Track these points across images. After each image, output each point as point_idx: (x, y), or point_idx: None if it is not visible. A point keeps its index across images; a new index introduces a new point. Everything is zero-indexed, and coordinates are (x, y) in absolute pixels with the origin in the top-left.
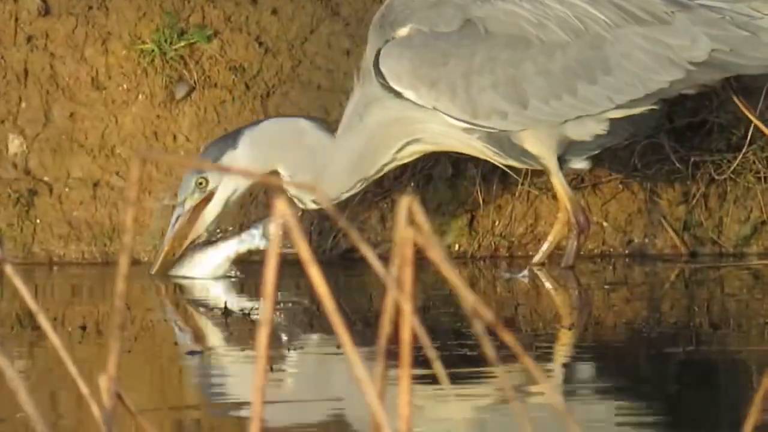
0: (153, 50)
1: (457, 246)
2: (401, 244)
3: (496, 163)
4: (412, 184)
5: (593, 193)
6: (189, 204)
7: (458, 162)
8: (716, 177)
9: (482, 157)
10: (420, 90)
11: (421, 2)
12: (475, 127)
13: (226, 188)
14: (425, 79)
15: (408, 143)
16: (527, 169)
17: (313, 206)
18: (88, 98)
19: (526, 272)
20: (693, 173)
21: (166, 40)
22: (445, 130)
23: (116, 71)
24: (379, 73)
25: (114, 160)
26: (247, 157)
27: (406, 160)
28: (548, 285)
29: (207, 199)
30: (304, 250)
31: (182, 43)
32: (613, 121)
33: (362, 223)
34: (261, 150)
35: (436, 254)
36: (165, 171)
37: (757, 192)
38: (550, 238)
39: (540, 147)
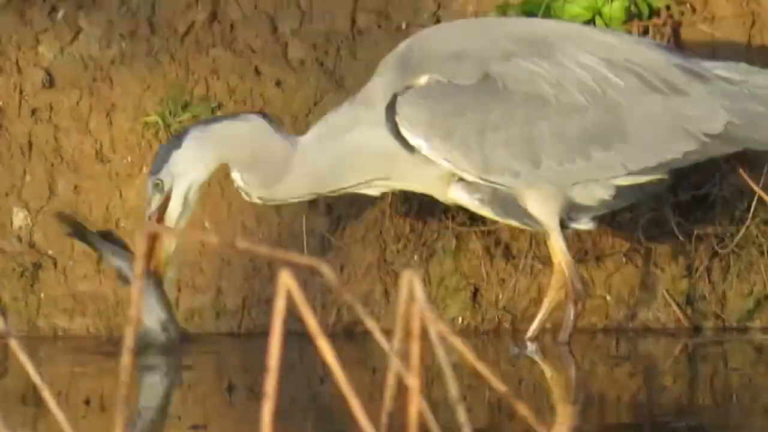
0: (157, 123)
1: (460, 319)
2: (405, 318)
3: (473, 209)
4: (416, 257)
5: (596, 266)
6: (153, 205)
7: (461, 235)
8: (719, 251)
9: (449, 203)
10: (433, 141)
11: (440, 50)
12: (482, 183)
13: (180, 185)
14: (440, 130)
15: (379, 178)
16: (531, 243)
17: (257, 201)
18: (93, 171)
19: (533, 347)
20: (696, 247)
21: (170, 113)
22: (428, 181)
23: (120, 144)
24: (391, 118)
25: (118, 233)
26: (191, 156)
27: (365, 191)
28: (551, 360)
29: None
30: (311, 324)
31: (186, 116)
32: (619, 187)
33: (365, 296)
34: (206, 149)
35: (441, 328)
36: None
37: (761, 266)
38: (545, 304)
39: (542, 208)
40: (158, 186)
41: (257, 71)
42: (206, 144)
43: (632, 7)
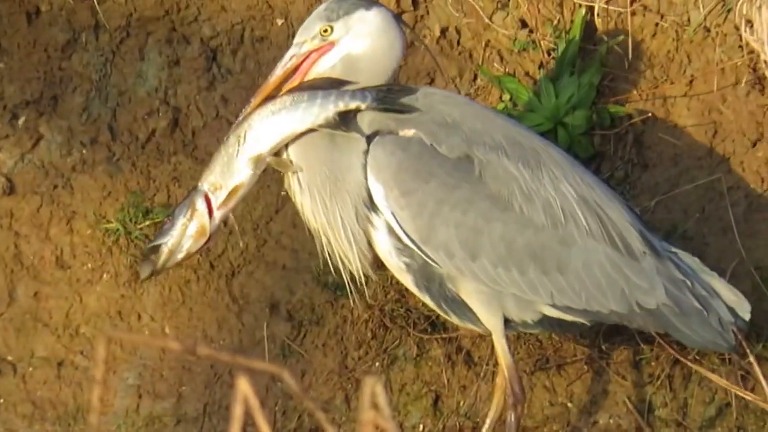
0: (118, 229)
1: (421, 426)
2: (365, 426)
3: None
4: (377, 363)
5: (558, 373)
6: (306, 47)
7: (422, 342)
8: (680, 358)
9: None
10: (390, 192)
11: (437, 114)
12: (416, 250)
13: (347, 44)
14: (402, 184)
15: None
16: (492, 350)
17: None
18: (53, 277)
19: None
20: (657, 354)
21: (130, 219)
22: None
23: (81, 250)
24: (366, 151)
25: (78, 339)
26: (372, 32)
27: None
28: None
29: (321, 51)
30: (264, 429)
31: (147, 222)
32: (545, 315)
33: (327, 403)
34: (392, 38)
35: None
36: (129, 350)
37: (722, 373)
38: (492, 406)
39: (482, 305)
40: (326, 32)
41: None
42: (393, 40)
43: (594, 117)
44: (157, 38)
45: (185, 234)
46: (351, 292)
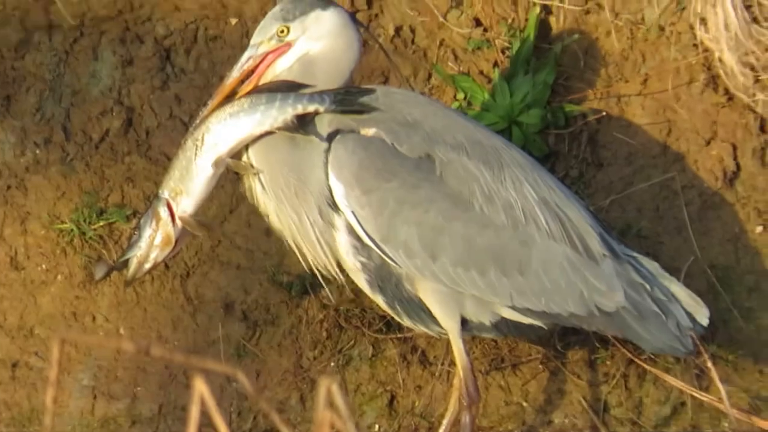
0: (72, 230)
1: (377, 426)
2: (320, 426)
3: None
4: (332, 364)
5: (513, 373)
6: (263, 48)
7: (378, 342)
8: (635, 359)
9: (349, 268)
10: (351, 191)
11: (398, 113)
12: (375, 249)
13: (304, 44)
14: (363, 183)
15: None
16: (447, 349)
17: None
18: (7, 278)
19: None
20: (612, 354)
21: (84, 220)
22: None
23: (35, 251)
24: (327, 150)
25: (33, 340)
26: (330, 30)
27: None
28: None
29: (277, 52)
30: (223, 429)
31: (101, 223)
32: (503, 318)
33: (282, 403)
34: (349, 38)
35: None
36: (84, 351)
37: (677, 372)
38: (449, 407)
39: (440, 305)
40: (282, 33)
41: None
42: (349, 40)
43: (549, 116)
44: (111, 38)
45: (152, 244)
46: (328, 290)
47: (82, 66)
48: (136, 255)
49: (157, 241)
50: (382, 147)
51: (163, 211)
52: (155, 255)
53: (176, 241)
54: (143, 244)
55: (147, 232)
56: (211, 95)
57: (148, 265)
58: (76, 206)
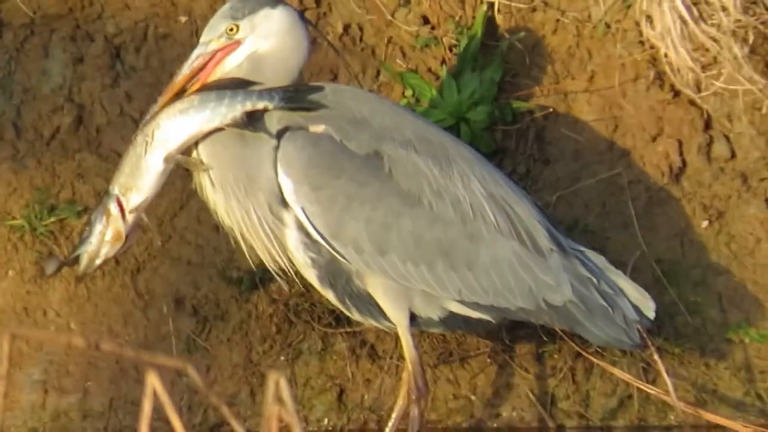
0: (23, 226)
1: (326, 420)
2: (268, 420)
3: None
4: (282, 358)
5: (461, 366)
6: (213, 46)
7: (327, 336)
8: (582, 352)
9: (301, 267)
10: (300, 187)
11: (347, 110)
12: (324, 245)
13: (253, 42)
14: (312, 179)
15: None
16: (396, 343)
17: None
18: None
19: None
20: (560, 347)
21: (35, 216)
22: (265, 211)
23: None
24: (276, 147)
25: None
26: (278, 30)
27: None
28: None
29: (227, 50)
30: (177, 425)
31: (52, 219)
32: (451, 312)
33: (232, 397)
34: (298, 37)
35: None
36: (35, 346)
37: (624, 366)
38: (398, 401)
39: (389, 300)
40: (231, 31)
41: None
42: (298, 38)
43: (496, 112)
44: (61, 35)
45: (103, 240)
46: (282, 282)
47: (33, 64)
48: (87, 250)
49: (108, 236)
50: (331, 144)
51: (114, 207)
52: (106, 250)
53: (126, 237)
54: (94, 239)
55: (97, 228)
56: (161, 92)
57: (99, 261)
58: (27, 202)
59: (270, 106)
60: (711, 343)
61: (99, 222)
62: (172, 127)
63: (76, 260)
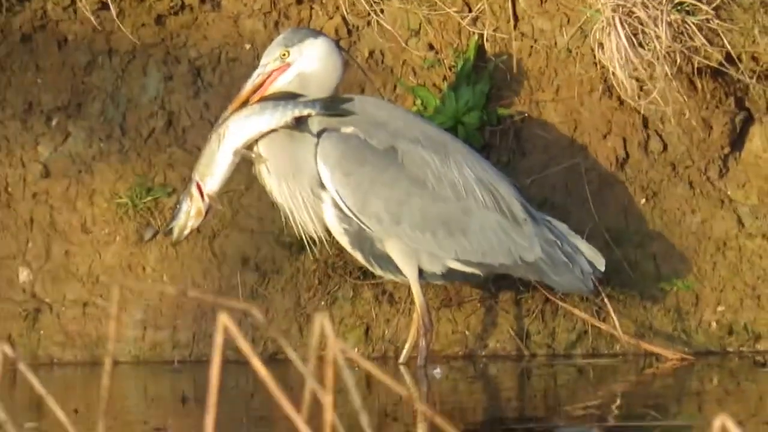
0: (127, 203)
1: (356, 350)
2: (317, 349)
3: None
4: (323, 303)
5: (458, 309)
6: (269, 67)
7: (356, 286)
8: (550, 297)
9: (335, 233)
10: (335, 174)
11: (371, 115)
12: (354, 218)
13: (300, 65)
14: (344, 168)
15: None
16: (408, 292)
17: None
18: (79, 239)
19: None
20: (533, 295)
21: (137, 196)
22: (309, 195)
23: (100, 219)
24: (317, 144)
25: (99, 286)
26: (322, 56)
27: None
28: (420, 380)
29: (280, 70)
30: (247, 349)
31: (149, 198)
32: (450, 268)
33: (285, 332)
34: (335, 67)
35: (350, 353)
36: (137, 294)
37: (581, 308)
38: (410, 336)
39: (403, 259)
40: (284, 55)
41: None
42: (334, 62)
43: (485, 117)
44: (156, 59)
45: (189, 216)
46: (310, 249)
47: (135, 81)
48: (177, 224)
49: (192, 213)
50: (357, 141)
51: (195, 191)
52: (191, 223)
53: (206, 213)
54: (182, 215)
55: (184, 207)
56: (231, 102)
57: (186, 232)
58: (131, 185)
59: (313, 113)
60: (647, 291)
61: (185, 202)
62: (239, 128)
63: (170, 232)
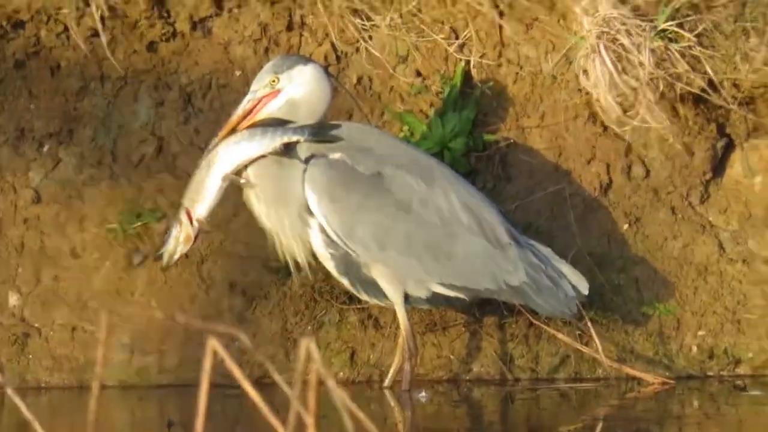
0: (116, 228)
1: (341, 374)
2: (303, 373)
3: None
4: (309, 327)
5: (443, 334)
6: (260, 93)
7: (342, 311)
8: (534, 321)
9: (322, 261)
10: (322, 200)
11: (357, 142)
12: (340, 244)
13: (290, 91)
14: (331, 194)
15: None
16: (394, 317)
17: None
18: (68, 264)
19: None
20: (516, 319)
21: (126, 221)
22: (296, 221)
23: (89, 244)
24: (305, 170)
25: (87, 311)
26: (311, 80)
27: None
28: (403, 403)
29: (270, 96)
30: (237, 374)
31: (139, 223)
32: (434, 292)
33: (272, 357)
34: (322, 94)
35: (329, 383)
36: (125, 318)
37: (564, 332)
38: (395, 360)
39: (388, 283)
40: (273, 82)
41: None
42: (323, 88)
43: (471, 142)
44: (147, 85)
45: (178, 242)
46: (294, 274)
47: (126, 107)
48: (167, 250)
49: (181, 239)
50: (344, 167)
51: (184, 217)
52: (181, 249)
53: (195, 238)
54: (172, 241)
55: (173, 233)
56: (221, 127)
57: (176, 257)
58: (120, 211)
59: (301, 139)
60: (630, 315)
61: (174, 228)
62: (228, 154)
63: (160, 257)
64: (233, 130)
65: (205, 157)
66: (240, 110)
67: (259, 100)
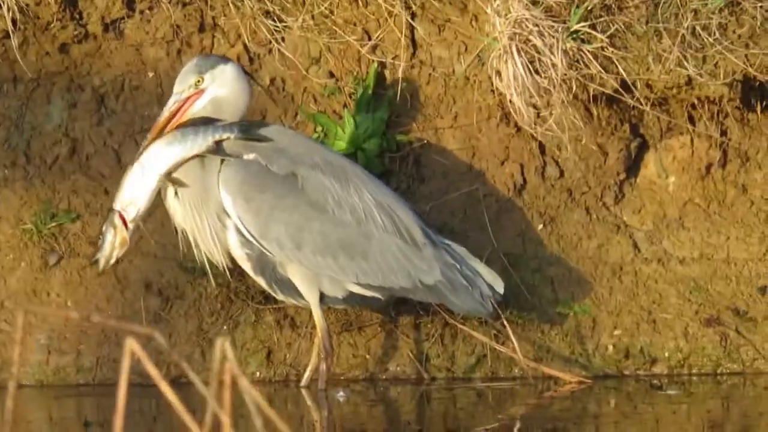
0: (31, 229)
1: (258, 373)
2: (218, 373)
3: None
4: (225, 327)
5: (359, 333)
6: (185, 94)
7: (258, 311)
8: (450, 321)
9: (240, 262)
10: (236, 200)
11: (273, 143)
12: (255, 243)
13: (214, 90)
14: (245, 195)
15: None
16: (310, 316)
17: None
18: None
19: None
20: (432, 319)
21: (41, 222)
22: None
23: (4, 245)
24: (219, 170)
25: (3, 311)
26: (233, 81)
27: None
28: (319, 402)
29: (195, 96)
30: (154, 373)
31: (54, 224)
32: (351, 292)
33: (188, 357)
34: (244, 89)
35: (242, 382)
36: (41, 319)
37: (480, 332)
38: (312, 359)
39: (304, 283)
40: (198, 82)
41: (106, 191)
42: (244, 86)
43: (384, 143)
44: (60, 87)
45: (114, 246)
46: (210, 275)
47: (39, 108)
48: (103, 255)
49: (117, 243)
50: (258, 167)
51: (118, 221)
52: (117, 253)
53: (129, 240)
54: (107, 246)
55: (108, 238)
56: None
57: (112, 261)
58: (35, 211)
59: (232, 136)
60: (545, 315)
61: (109, 233)
62: (162, 156)
63: (96, 263)
64: (161, 132)
65: (136, 160)
66: (166, 112)
67: (185, 101)
